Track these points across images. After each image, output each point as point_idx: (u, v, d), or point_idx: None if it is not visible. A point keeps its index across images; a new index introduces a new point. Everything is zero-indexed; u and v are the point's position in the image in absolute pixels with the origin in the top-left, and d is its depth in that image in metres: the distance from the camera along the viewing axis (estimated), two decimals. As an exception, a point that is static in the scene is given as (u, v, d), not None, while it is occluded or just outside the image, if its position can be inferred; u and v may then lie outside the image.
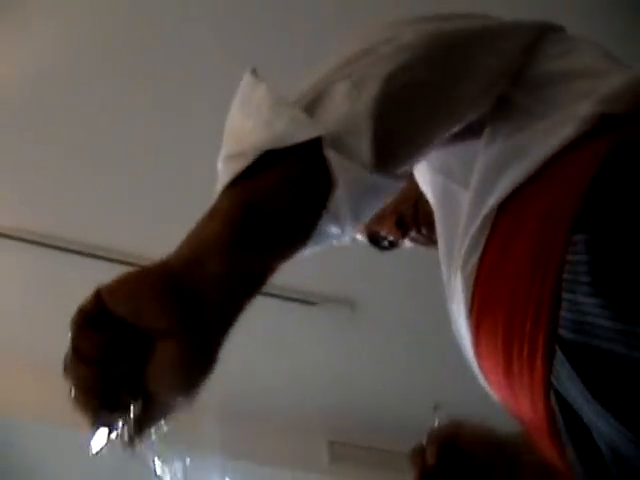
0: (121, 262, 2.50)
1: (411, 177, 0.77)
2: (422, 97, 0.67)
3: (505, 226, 0.68)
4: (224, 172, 0.57)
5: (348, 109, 0.59)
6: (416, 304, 2.52)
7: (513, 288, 0.63)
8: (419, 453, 1.00)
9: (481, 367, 0.74)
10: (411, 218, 1.08)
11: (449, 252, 0.76)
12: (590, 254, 0.55)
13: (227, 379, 2.19)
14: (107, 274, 0.54)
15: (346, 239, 0.71)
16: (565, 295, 0.56)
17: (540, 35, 0.75)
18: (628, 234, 0.55)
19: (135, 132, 2.38)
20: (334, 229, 0.65)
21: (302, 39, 2.10)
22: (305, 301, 2.59)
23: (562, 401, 0.59)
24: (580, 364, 0.56)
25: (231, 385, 2.53)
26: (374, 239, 1.16)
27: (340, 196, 0.60)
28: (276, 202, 0.56)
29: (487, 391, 0.81)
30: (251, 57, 1.97)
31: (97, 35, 2.20)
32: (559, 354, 0.57)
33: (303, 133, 0.56)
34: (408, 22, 0.71)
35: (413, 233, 1.10)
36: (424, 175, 0.84)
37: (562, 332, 0.57)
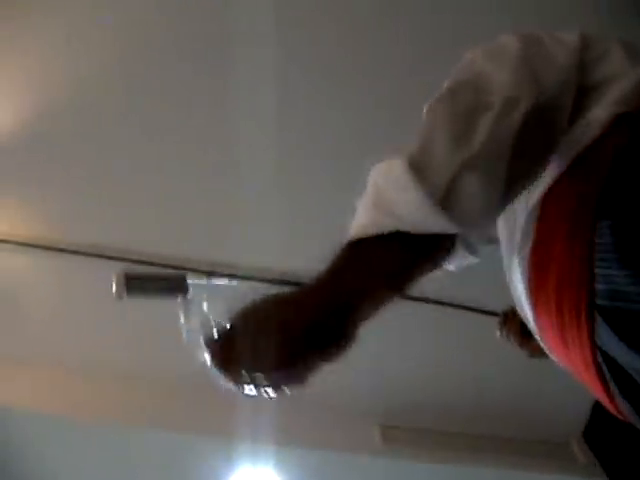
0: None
1: None
2: (530, 166, 0.77)
3: (548, 217, 0.78)
4: (369, 220, 0.71)
5: (477, 207, 0.70)
6: (457, 285, 2.54)
7: (559, 268, 0.74)
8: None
9: (543, 338, 0.87)
10: None
11: (509, 246, 0.87)
12: (614, 236, 0.66)
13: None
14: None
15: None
16: (598, 271, 0.67)
17: (582, 46, 0.82)
18: None
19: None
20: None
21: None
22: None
23: (606, 356, 0.70)
24: (614, 323, 0.67)
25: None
26: None
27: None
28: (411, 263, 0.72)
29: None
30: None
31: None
32: (598, 318, 0.68)
33: (440, 227, 0.69)
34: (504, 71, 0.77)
35: None
36: None
37: (599, 300, 0.68)
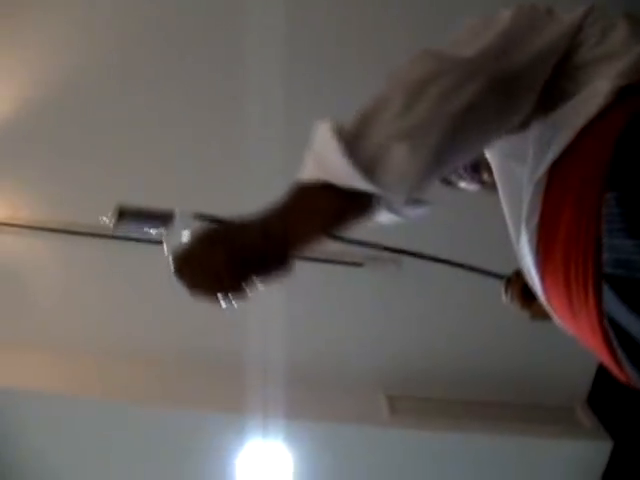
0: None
1: None
2: (469, 143, 0.80)
3: (554, 189, 0.80)
4: (311, 171, 0.79)
5: (401, 175, 0.75)
6: (459, 256, 2.56)
7: (566, 239, 0.76)
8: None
9: (551, 305, 0.89)
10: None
11: (514, 217, 0.90)
12: (621, 207, 0.68)
13: (285, 345, 2.28)
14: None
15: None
16: (605, 240, 0.70)
17: (581, 24, 0.84)
18: None
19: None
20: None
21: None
22: (352, 263, 2.67)
23: (613, 323, 0.72)
24: (622, 291, 0.69)
25: (288, 350, 2.64)
26: None
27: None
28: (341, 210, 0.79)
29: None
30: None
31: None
32: (605, 286, 0.71)
33: (365, 187, 0.75)
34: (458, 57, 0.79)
35: (460, 169, 1.24)
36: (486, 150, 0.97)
37: (606, 269, 0.70)
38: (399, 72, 0.79)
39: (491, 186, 1.17)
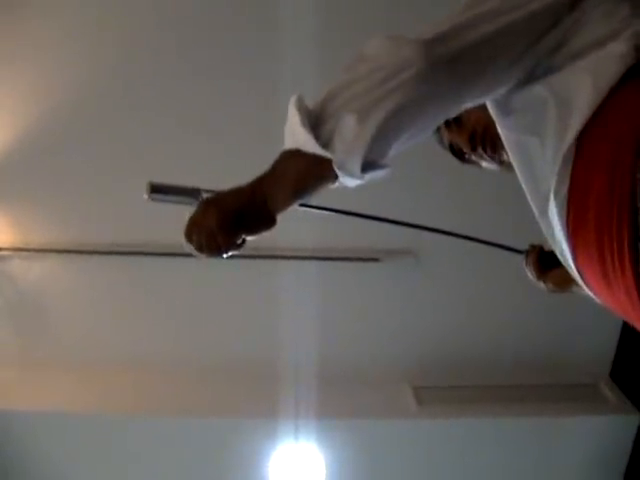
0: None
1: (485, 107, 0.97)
2: (419, 119, 0.87)
3: (583, 159, 0.81)
4: (287, 140, 0.91)
5: (349, 143, 0.86)
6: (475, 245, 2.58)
7: (598, 207, 0.78)
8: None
9: (582, 276, 0.90)
10: (480, 136, 1.23)
11: (535, 192, 0.91)
12: None
13: (311, 347, 2.28)
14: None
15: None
16: None
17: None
18: None
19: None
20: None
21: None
22: (369, 258, 2.69)
23: None
24: None
25: (316, 350, 2.65)
26: (452, 147, 1.32)
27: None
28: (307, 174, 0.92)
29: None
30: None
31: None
32: None
33: (322, 152, 0.87)
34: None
35: (480, 150, 1.25)
36: (500, 130, 0.99)
37: None
38: (362, 55, 0.88)
39: (510, 165, 1.19)
